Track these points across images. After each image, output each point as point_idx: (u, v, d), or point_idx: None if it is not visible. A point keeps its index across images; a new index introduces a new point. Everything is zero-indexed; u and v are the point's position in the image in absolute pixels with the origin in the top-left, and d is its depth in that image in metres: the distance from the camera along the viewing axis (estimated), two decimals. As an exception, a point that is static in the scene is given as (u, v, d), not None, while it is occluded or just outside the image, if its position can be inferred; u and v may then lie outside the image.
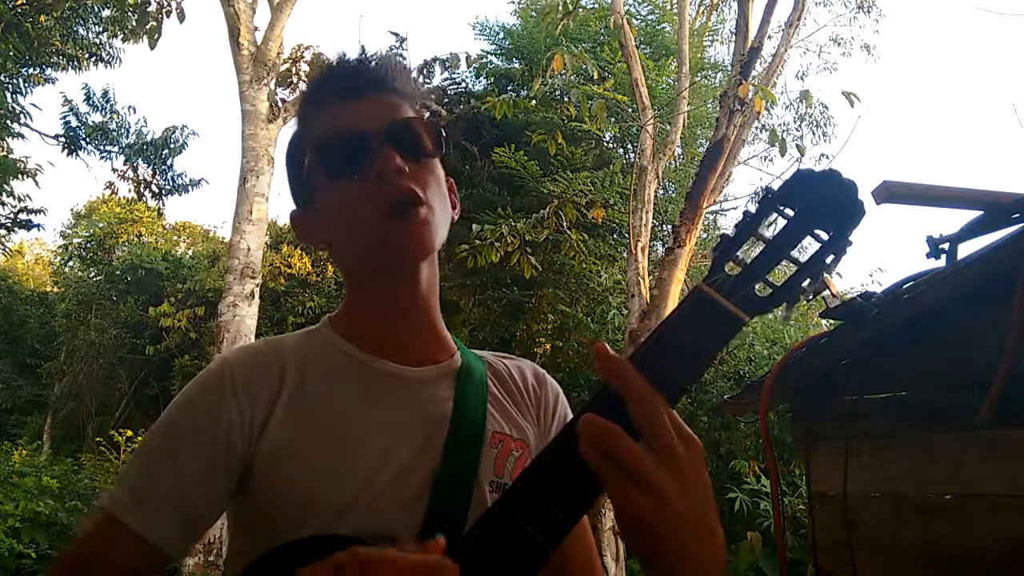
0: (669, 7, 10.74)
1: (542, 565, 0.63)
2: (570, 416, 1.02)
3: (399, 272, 0.92)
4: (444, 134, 0.93)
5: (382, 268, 0.91)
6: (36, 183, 10.23)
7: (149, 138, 11.38)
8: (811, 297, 0.69)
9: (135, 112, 11.81)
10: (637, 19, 10.62)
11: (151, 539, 0.78)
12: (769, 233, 0.69)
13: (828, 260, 0.66)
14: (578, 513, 0.63)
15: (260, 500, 0.82)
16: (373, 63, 0.93)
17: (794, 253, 0.67)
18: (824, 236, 0.67)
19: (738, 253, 0.68)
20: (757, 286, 0.66)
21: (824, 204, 0.66)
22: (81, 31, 10.09)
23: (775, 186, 0.69)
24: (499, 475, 0.88)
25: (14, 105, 9.81)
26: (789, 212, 0.67)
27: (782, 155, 6.08)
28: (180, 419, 0.85)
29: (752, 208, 0.69)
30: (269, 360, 0.88)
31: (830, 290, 0.70)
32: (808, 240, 0.68)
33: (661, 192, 9.51)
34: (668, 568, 0.61)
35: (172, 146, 11.43)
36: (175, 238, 17.76)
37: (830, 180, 0.66)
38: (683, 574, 0.61)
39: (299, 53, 7.86)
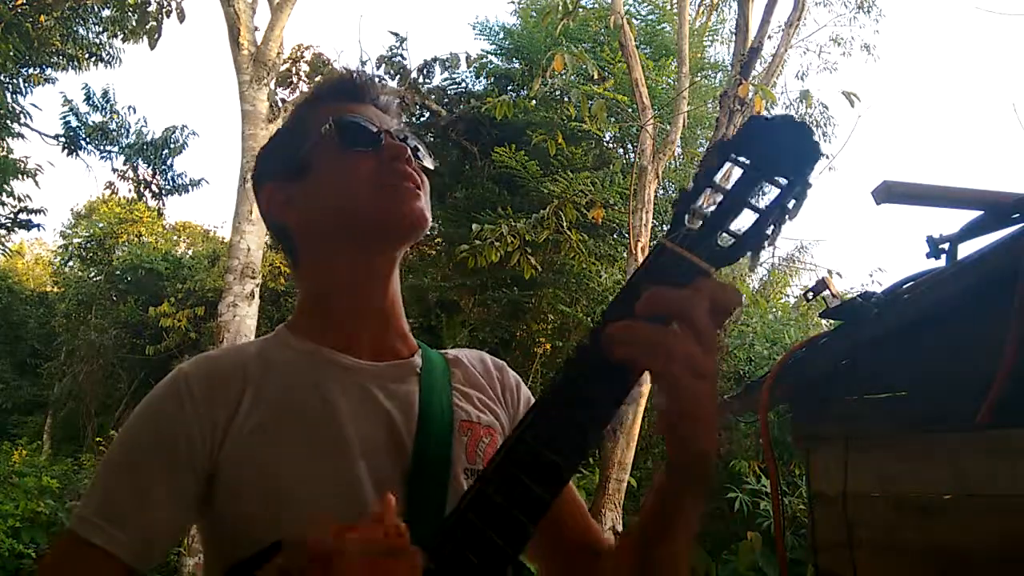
0: (669, 7, 10.72)
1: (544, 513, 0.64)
2: (532, 400, 1.02)
3: (385, 237, 0.93)
4: (435, 162, 1.01)
5: (370, 232, 0.92)
6: (36, 183, 10.27)
7: (149, 138, 11.39)
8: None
9: (135, 112, 11.79)
10: (637, 19, 10.59)
11: (121, 556, 0.78)
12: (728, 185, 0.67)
13: (789, 205, 0.65)
14: (580, 458, 0.65)
15: (231, 507, 0.82)
16: (380, 86, 1.02)
17: (756, 202, 0.66)
18: (782, 182, 0.65)
19: (701, 207, 0.66)
20: (720, 238, 0.65)
21: (779, 150, 0.65)
22: (81, 31, 10.07)
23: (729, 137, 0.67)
24: (471, 462, 0.88)
25: (14, 105, 9.82)
26: (745, 161, 0.66)
27: (782, 155, 6.06)
28: (139, 434, 0.85)
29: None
30: (229, 366, 0.89)
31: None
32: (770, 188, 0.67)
33: (661, 192, 9.49)
34: (692, 428, 0.65)
35: (172, 146, 11.43)
36: (175, 238, 17.73)
37: (783, 126, 0.65)
38: (703, 428, 0.65)
39: (299, 53, 7.88)
